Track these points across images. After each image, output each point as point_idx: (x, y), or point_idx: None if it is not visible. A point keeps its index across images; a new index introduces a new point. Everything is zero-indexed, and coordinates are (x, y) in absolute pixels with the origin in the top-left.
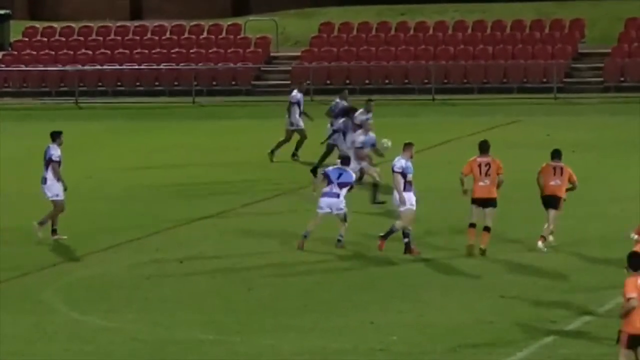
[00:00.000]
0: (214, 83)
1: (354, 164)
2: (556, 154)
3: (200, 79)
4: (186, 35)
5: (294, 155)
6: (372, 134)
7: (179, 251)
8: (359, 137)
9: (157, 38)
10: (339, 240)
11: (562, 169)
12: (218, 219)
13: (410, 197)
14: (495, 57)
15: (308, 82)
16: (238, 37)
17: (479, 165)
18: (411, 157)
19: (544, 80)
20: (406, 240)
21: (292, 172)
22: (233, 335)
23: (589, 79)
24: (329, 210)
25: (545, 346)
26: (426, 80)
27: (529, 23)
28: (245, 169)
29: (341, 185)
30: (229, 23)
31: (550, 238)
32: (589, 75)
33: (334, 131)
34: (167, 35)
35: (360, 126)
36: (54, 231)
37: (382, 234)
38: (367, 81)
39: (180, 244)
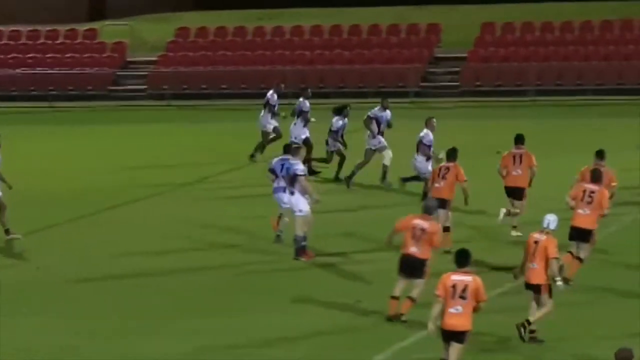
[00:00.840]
0: (70, 88)
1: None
2: (519, 139)
3: (56, 84)
4: (42, 40)
5: (252, 155)
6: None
7: (36, 259)
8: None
9: (13, 43)
10: (278, 238)
11: (521, 156)
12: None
13: (307, 201)
14: (351, 62)
15: (282, 84)
16: (94, 42)
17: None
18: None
19: (401, 84)
20: (303, 244)
21: (149, 177)
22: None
23: (445, 83)
24: (288, 205)
25: (401, 350)
26: (283, 85)
27: (386, 27)
28: (103, 174)
29: (290, 180)
30: (85, 28)
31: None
32: (445, 79)
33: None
34: (23, 40)
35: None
36: (6, 231)
37: (302, 247)
38: (223, 86)
39: (31, 251)
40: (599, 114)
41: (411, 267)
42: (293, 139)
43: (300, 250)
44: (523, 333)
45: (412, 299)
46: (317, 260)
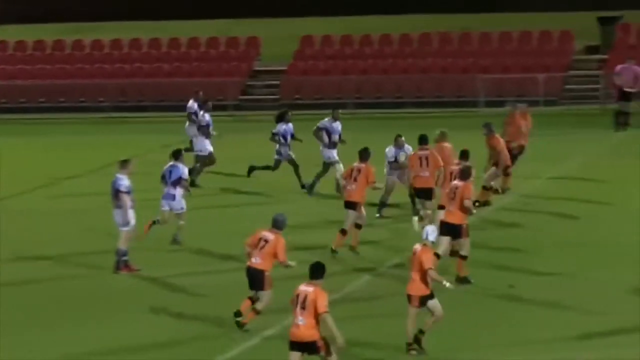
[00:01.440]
0: None
1: None
2: (423, 140)
3: None
4: None
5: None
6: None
7: None
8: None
9: None
10: (175, 240)
11: (427, 157)
12: None
13: (132, 215)
14: (171, 75)
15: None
16: None
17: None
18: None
19: (220, 97)
20: (125, 258)
21: None
22: None
23: (265, 96)
24: (168, 209)
25: (248, 350)
26: (101, 99)
27: (205, 41)
28: None
29: (174, 184)
30: None
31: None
32: (265, 92)
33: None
34: None
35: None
36: None
37: (123, 261)
38: (42, 100)
39: None
40: (418, 127)
41: (251, 278)
42: (198, 152)
43: (122, 264)
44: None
45: (256, 311)
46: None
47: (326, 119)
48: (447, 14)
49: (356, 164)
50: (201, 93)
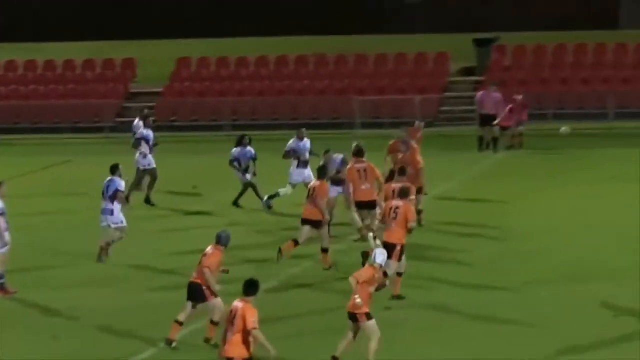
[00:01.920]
0: None
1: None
2: (359, 153)
3: None
4: None
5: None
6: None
7: None
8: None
9: None
10: (100, 258)
11: (366, 170)
12: None
13: (8, 238)
14: (47, 97)
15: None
16: None
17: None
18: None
19: (96, 119)
20: (1, 281)
21: None
22: None
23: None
24: (107, 224)
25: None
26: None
27: (81, 63)
28: None
29: (111, 198)
30: None
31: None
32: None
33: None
34: None
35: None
36: None
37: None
38: None
39: None
40: None
41: (191, 293)
42: (146, 166)
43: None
44: None
45: (214, 323)
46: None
47: (291, 140)
48: (323, 36)
49: (313, 183)
50: (146, 111)
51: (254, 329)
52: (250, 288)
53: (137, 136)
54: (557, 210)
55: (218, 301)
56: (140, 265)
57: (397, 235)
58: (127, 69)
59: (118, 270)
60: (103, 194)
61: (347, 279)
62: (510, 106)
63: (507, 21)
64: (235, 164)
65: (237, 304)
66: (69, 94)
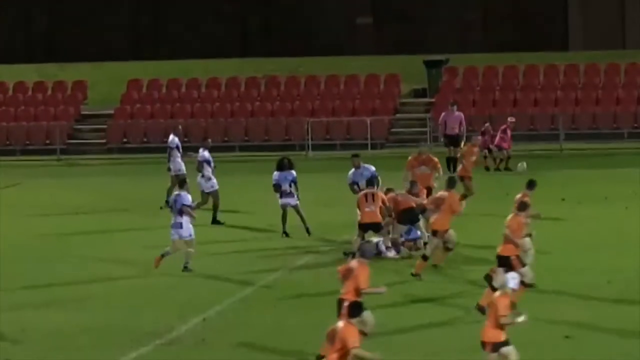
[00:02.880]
0: None
1: None
2: (370, 183)
3: None
4: None
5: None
6: None
7: None
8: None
9: None
10: (185, 267)
11: (373, 195)
12: None
13: None
14: None
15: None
16: None
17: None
18: None
19: (47, 141)
20: None
21: None
22: None
23: (92, 140)
24: (177, 237)
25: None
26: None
27: (32, 85)
28: None
29: (180, 212)
30: None
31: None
32: (92, 136)
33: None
34: None
35: None
36: None
37: None
38: None
39: None
40: (245, 170)
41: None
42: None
43: None
44: None
45: (363, 334)
46: None
47: (350, 171)
48: (273, 57)
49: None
50: (180, 127)
51: (355, 347)
52: (354, 309)
53: (199, 159)
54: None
55: (367, 314)
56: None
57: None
58: (78, 91)
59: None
60: (172, 208)
61: None
62: (503, 126)
63: (458, 42)
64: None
65: (339, 324)
66: (19, 115)
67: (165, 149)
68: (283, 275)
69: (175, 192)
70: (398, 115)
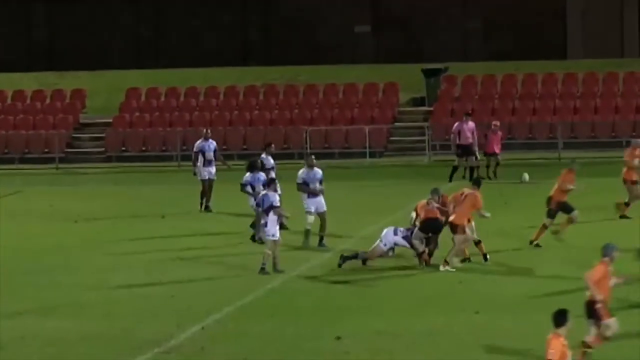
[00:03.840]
0: None
1: None
2: (476, 183)
3: None
4: None
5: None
6: None
7: None
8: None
9: None
10: (261, 269)
11: (466, 196)
12: None
13: None
14: None
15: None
16: None
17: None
18: None
19: (46, 150)
20: None
21: None
22: None
23: (91, 149)
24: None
25: None
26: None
27: (30, 93)
28: None
29: (266, 212)
30: None
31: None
32: (91, 145)
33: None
34: None
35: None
36: None
37: None
38: None
39: None
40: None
41: (587, 312)
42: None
43: None
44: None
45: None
46: None
47: (301, 170)
48: (272, 66)
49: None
50: (209, 131)
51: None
52: (559, 318)
53: (268, 166)
54: (508, 236)
55: (612, 321)
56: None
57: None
58: (77, 100)
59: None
60: (260, 207)
61: None
62: (489, 131)
63: (457, 52)
64: (248, 188)
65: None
66: (18, 124)
67: (164, 158)
68: (282, 283)
69: (263, 192)
70: (397, 124)
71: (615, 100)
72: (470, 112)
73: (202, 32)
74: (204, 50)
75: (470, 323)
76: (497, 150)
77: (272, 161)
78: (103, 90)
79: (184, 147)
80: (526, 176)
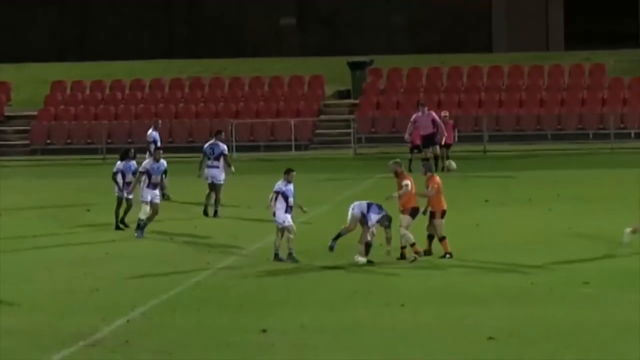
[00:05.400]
0: None
1: None
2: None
3: None
4: None
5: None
6: None
7: None
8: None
9: None
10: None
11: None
12: None
13: None
14: None
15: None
16: None
17: None
18: None
19: None
20: None
21: None
22: None
23: (15, 142)
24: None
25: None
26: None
27: None
28: None
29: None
30: None
31: None
32: (15, 138)
33: None
34: None
35: None
36: None
37: None
38: None
39: None
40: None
41: None
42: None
43: None
44: None
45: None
46: None
47: (146, 160)
48: (197, 59)
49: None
50: (160, 121)
51: None
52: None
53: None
54: None
55: None
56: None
57: None
58: (1, 92)
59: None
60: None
61: None
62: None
63: (383, 46)
64: (118, 177)
65: None
66: None
67: (89, 151)
68: (207, 276)
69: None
70: (322, 117)
71: (540, 94)
72: (423, 101)
73: (128, 26)
74: (129, 43)
75: (395, 317)
76: (449, 141)
77: (223, 147)
78: (28, 83)
79: (109, 140)
80: (452, 163)
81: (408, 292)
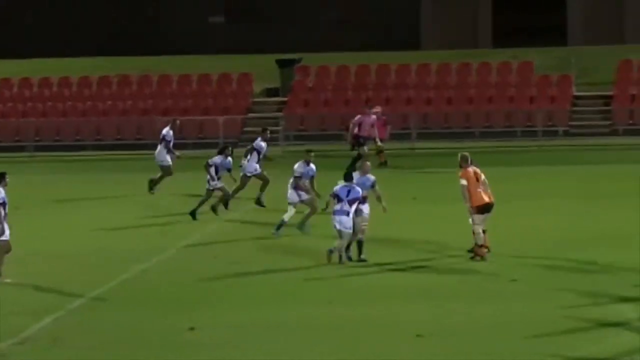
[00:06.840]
0: None
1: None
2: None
3: None
4: None
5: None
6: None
7: None
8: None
9: None
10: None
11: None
12: None
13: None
14: None
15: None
16: None
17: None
18: None
19: None
20: None
21: None
22: None
23: None
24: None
25: None
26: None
27: None
28: None
29: (350, 202)
30: None
31: None
32: None
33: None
34: None
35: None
36: None
37: None
38: None
39: None
40: (97, 169)
41: None
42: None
43: None
44: None
45: None
46: None
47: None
48: (126, 56)
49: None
50: (178, 122)
51: None
52: None
53: (255, 147)
54: None
55: None
56: None
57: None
58: None
59: None
60: (339, 195)
61: None
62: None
63: (313, 43)
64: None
65: None
66: None
67: (16, 149)
68: (137, 274)
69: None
70: (250, 115)
71: (469, 91)
72: (370, 102)
73: (56, 23)
74: (57, 41)
75: (322, 315)
76: (383, 136)
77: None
78: None
79: (37, 138)
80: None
81: (337, 290)
